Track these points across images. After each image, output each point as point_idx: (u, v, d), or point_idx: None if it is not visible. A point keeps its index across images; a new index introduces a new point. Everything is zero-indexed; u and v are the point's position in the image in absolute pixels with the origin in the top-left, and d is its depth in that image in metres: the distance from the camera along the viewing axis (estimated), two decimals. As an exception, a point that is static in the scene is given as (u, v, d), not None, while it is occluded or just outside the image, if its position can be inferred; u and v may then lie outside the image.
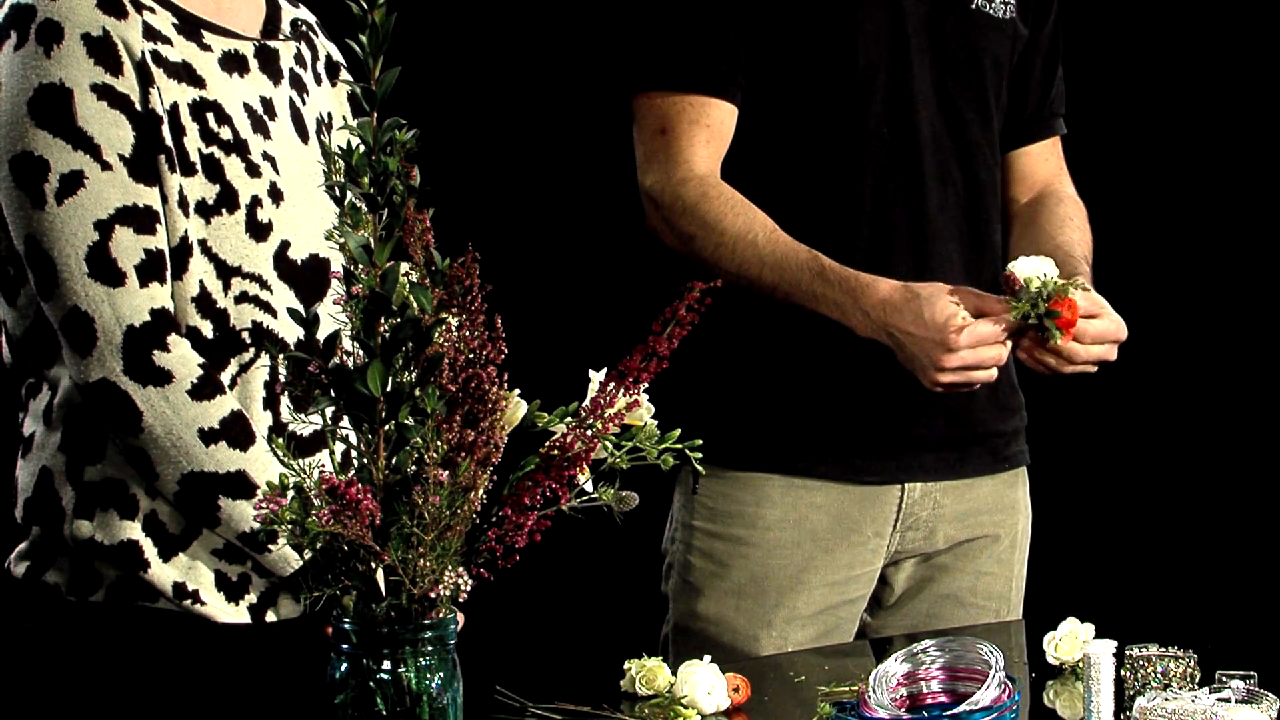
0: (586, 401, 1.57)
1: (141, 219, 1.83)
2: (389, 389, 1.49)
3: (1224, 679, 1.87)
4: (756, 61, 2.39)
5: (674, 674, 1.98)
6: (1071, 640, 2.11)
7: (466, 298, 1.51)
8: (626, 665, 2.00)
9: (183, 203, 1.86)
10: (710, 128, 2.39)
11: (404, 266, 1.51)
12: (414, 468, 1.49)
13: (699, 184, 2.38)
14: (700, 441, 1.59)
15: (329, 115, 2.06)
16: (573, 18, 3.57)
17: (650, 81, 2.42)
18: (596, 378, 1.58)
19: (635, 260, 2.53)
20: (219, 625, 1.88)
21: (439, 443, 1.48)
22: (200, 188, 1.87)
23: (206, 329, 1.87)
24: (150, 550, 1.86)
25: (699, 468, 1.64)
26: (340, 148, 1.50)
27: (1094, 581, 3.72)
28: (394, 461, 1.49)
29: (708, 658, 1.98)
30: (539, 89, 3.71)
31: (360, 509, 1.45)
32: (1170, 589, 3.74)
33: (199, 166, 1.87)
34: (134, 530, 1.85)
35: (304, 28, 2.07)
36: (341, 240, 1.50)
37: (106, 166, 1.82)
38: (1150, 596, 3.71)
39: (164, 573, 1.86)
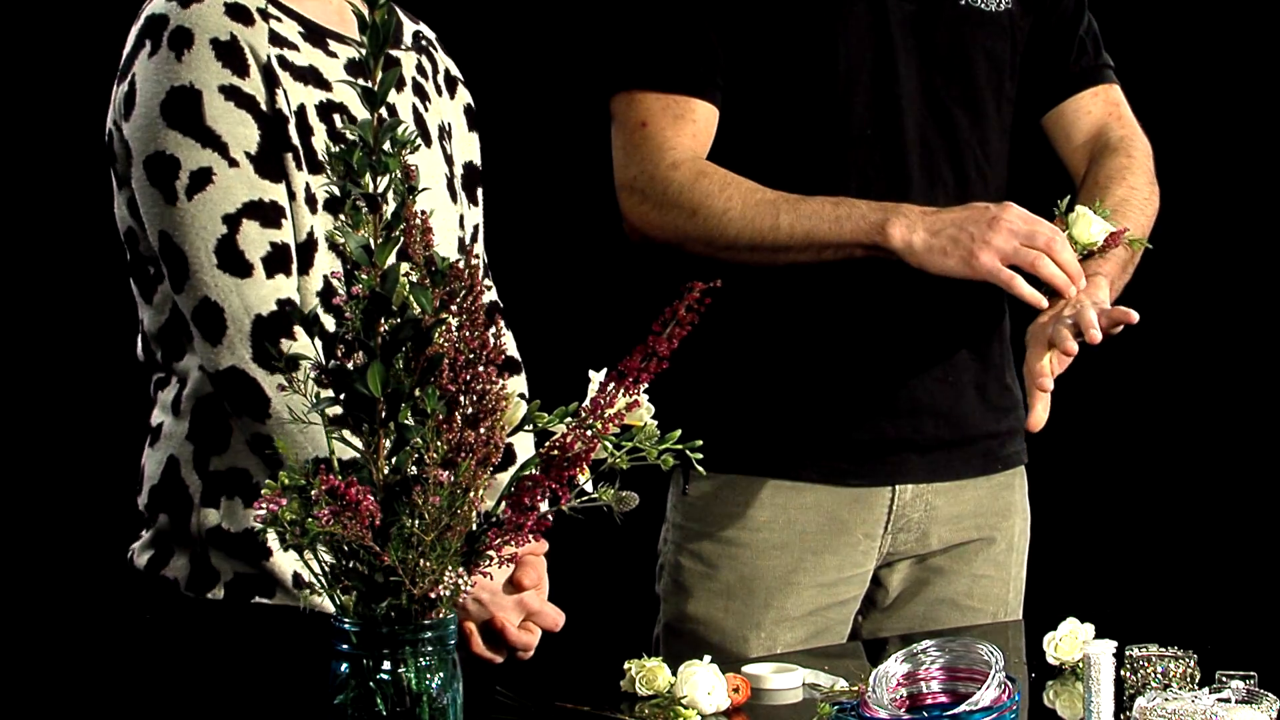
0: (586, 401, 1.57)
1: (267, 213, 1.90)
2: (389, 389, 1.49)
3: (1224, 679, 1.87)
4: (738, 64, 2.37)
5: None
6: (1071, 640, 2.11)
7: (467, 298, 1.51)
8: (626, 665, 2.00)
9: (310, 199, 1.92)
10: (695, 123, 2.36)
11: (404, 266, 1.51)
12: (414, 468, 1.49)
13: (692, 164, 2.33)
14: (701, 442, 1.59)
15: (449, 124, 2.13)
16: (573, 16, 3.57)
17: (630, 81, 2.39)
18: (596, 378, 1.58)
19: (635, 260, 2.53)
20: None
21: (439, 443, 1.48)
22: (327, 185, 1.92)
23: (329, 322, 1.90)
24: (273, 538, 1.88)
25: (700, 469, 1.64)
26: (340, 148, 1.51)
27: (1094, 581, 3.72)
28: (394, 462, 1.49)
29: (708, 658, 1.98)
30: (539, 88, 3.71)
31: (360, 509, 1.45)
32: (1170, 589, 3.74)
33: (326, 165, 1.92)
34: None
35: (424, 41, 2.15)
36: (342, 241, 1.50)
37: (233, 163, 1.89)
38: (1150, 596, 3.71)
39: (284, 561, 1.91)
